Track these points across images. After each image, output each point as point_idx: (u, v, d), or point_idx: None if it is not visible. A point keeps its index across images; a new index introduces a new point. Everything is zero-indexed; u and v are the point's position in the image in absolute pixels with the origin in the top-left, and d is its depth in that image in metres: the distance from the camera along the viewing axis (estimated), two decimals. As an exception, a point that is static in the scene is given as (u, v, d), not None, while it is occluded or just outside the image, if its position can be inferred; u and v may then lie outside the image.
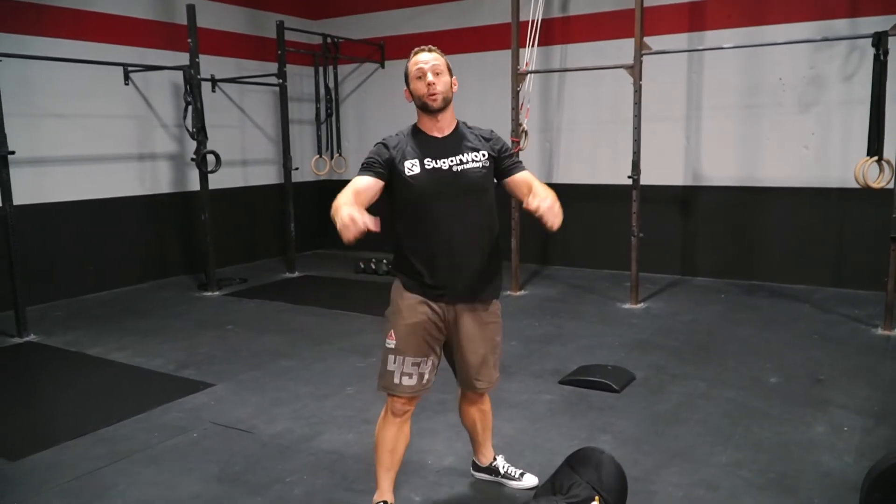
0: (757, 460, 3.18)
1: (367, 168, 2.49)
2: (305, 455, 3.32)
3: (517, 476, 2.99)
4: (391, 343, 2.57)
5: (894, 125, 5.26)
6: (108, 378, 4.50)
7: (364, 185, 2.44)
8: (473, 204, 2.55)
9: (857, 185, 5.27)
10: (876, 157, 5.10)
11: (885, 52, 4.92)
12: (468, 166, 2.52)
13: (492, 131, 2.67)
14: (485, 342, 2.66)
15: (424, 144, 2.53)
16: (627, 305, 6.05)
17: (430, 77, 2.47)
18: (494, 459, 3.03)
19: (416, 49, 2.55)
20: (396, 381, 2.55)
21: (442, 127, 2.56)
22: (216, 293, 6.80)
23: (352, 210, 2.15)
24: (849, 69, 6.19)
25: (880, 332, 5.11)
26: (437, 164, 2.50)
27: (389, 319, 2.60)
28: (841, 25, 6.13)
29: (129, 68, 6.85)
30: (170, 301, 6.52)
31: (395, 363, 2.56)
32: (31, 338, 5.34)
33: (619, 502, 2.64)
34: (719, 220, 6.98)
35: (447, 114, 2.55)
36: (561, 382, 4.18)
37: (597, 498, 2.53)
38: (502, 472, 3.00)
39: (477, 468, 3.06)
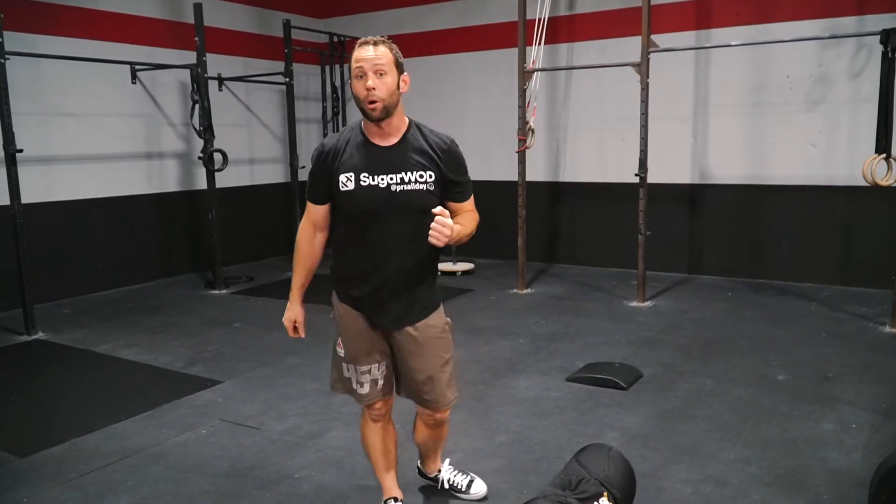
0: (765, 457, 3.18)
1: (311, 194, 2.35)
2: (314, 451, 3.33)
3: (464, 488, 2.84)
4: (341, 351, 2.46)
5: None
6: (117, 375, 4.52)
7: (316, 215, 2.38)
8: (411, 225, 2.26)
9: (864, 183, 5.25)
10: (884, 155, 5.08)
11: (894, 50, 4.88)
12: (409, 188, 2.23)
13: (451, 142, 2.33)
14: (428, 360, 2.41)
15: (365, 153, 2.25)
16: (634, 303, 6.04)
17: (370, 80, 2.13)
18: (439, 471, 2.89)
19: (361, 40, 2.19)
20: (355, 386, 2.47)
21: (387, 134, 2.25)
22: (223, 291, 6.82)
23: (293, 315, 2.53)
24: (856, 67, 6.16)
25: (888, 329, 5.10)
26: (374, 180, 2.22)
27: (336, 326, 2.49)
28: (848, 23, 6.11)
29: (137, 67, 6.87)
30: (177, 299, 6.54)
31: (349, 371, 2.46)
32: (40, 335, 5.36)
33: (628, 498, 2.63)
34: (726, 218, 6.96)
35: (393, 119, 2.22)
36: (568, 380, 4.18)
37: (605, 493, 2.52)
38: (448, 485, 2.86)
39: (422, 475, 2.94)
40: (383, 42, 2.20)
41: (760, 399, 3.86)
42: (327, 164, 2.27)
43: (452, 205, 2.35)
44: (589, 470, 2.62)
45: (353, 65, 2.19)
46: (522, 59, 6.40)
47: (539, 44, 6.50)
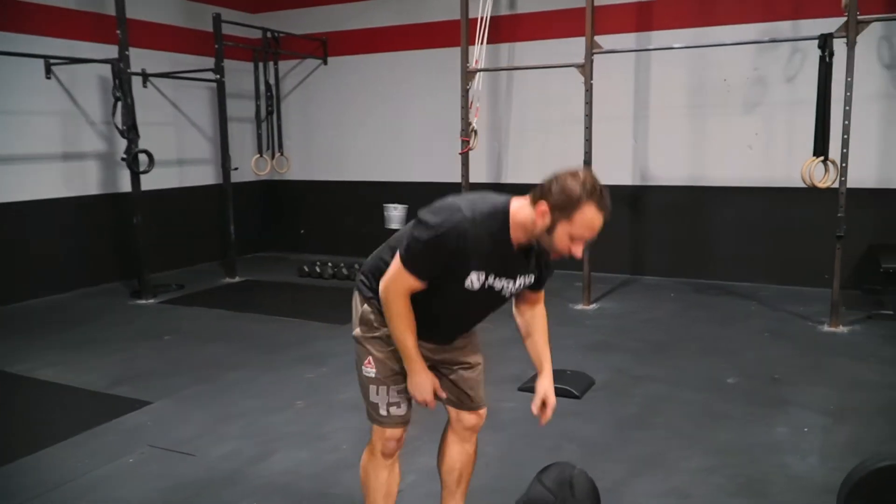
0: (726, 465, 3.12)
1: (421, 269, 2.05)
2: (256, 478, 3.09)
3: None
4: (370, 371, 2.24)
5: (838, 126, 5.28)
6: (33, 398, 4.13)
7: (415, 288, 2.08)
8: (503, 302, 2.27)
9: (799, 185, 5.33)
10: (822, 158, 5.16)
11: (831, 54, 4.97)
12: (517, 288, 2.20)
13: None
14: (476, 354, 2.43)
15: (500, 258, 2.09)
16: (580, 306, 5.99)
17: (580, 250, 2.00)
18: None
19: (600, 198, 1.92)
20: (384, 412, 2.26)
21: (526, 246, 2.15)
22: (151, 301, 6.43)
23: (431, 381, 2.21)
24: (791, 70, 6.28)
25: (826, 328, 5.18)
26: (495, 282, 2.12)
27: (364, 344, 2.25)
28: (784, 27, 6.21)
29: (52, 61, 6.41)
30: (101, 310, 6.13)
31: (378, 394, 2.25)
32: (-54, 354, 4.90)
33: None
34: (668, 219, 7.01)
35: None
36: (521, 389, 4.06)
37: None
38: None
39: None
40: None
41: (713, 403, 3.83)
42: (461, 258, 2.02)
43: (529, 292, 2.31)
44: (553, 492, 2.49)
45: (580, 226, 1.93)
46: (465, 58, 6.27)
47: (482, 43, 6.37)
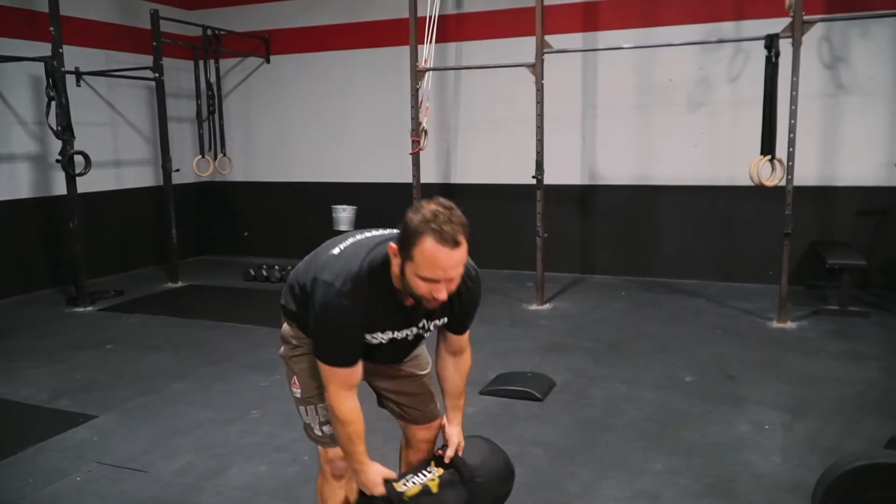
0: (691, 465, 3.13)
1: (344, 359, 1.92)
2: (212, 493, 2.95)
3: None
4: (296, 392, 2.17)
5: (784, 125, 5.40)
6: (-35, 415, 3.88)
7: (354, 377, 1.96)
8: (414, 346, 2.19)
9: (743, 183, 5.44)
10: (769, 157, 5.27)
11: (777, 54, 5.09)
12: (427, 333, 2.10)
13: (474, 285, 2.06)
14: (422, 359, 2.31)
15: (396, 313, 1.97)
16: (534, 306, 5.98)
17: (443, 293, 1.79)
18: None
19: (438, 232, 1.71)
20: (318, 432, 2.18)
21: None
22: (89, 308, 6.12)
23: (381, 473, 2.05)
24: (734, 71, 6.41)
25: (775, 324, 5.29)
26: (401, 334, 2.02)
27: (287, 364, 2.19)
28: (728, 28, 6.34)
29: (-21, 58, 6.06)
30: (36, 319, 5.80)
31: (307, 414, 2.17)
32: None
33: (482, 474, 2.23)
34: (616, 218, 7.06)
35: None
36: (482, 393, 4.00)
37: (433, 462, 2.21)
38: None
39: None
40: (462, 238, 1.74)
41: (673, 402, 3.86)
42: (360, 328, 1.92)
43: (449, 335, 2.16)
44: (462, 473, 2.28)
45: (425, 265, 1.73)
46: (414, 57, 6.18)
47: (430, 42, 6.30)
